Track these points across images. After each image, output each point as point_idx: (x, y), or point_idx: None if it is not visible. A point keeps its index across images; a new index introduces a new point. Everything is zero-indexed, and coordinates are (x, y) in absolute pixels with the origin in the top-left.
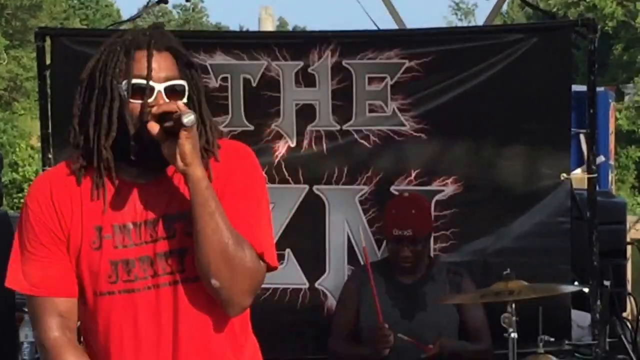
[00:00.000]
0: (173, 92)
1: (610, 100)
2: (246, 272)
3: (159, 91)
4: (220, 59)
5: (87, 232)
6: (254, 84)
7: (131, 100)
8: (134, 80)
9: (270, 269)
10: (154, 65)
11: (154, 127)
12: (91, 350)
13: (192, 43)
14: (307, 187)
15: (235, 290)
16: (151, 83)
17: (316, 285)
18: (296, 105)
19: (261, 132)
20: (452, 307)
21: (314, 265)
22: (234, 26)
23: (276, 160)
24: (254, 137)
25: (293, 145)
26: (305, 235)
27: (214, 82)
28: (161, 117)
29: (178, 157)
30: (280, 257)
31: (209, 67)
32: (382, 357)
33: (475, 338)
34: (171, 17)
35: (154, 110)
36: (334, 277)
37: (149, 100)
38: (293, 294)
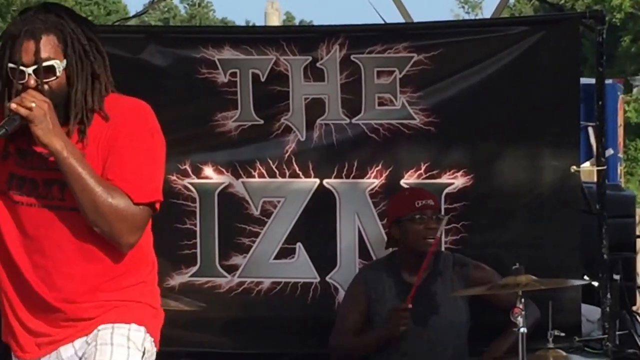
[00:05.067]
0: (41, 72)
1: (618, 93)
2: (120, 217)
3: (29, 74)
4: (228, 54)
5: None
6: (262, 79)
7: (15, 82)
8: (11, 65)
9: (152, 206)
10: (23, 51)
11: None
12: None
13: (200, 38)
14: (317, 181)
15: (115, 233)
16: (21, 68)
17: (327, 279)
18: (305, 99)
19: (271, 126)
20: (464, 305)
21: (324, 259)
22: (240, 21)
23: (286, 155)
24: (264, 132)
25: (303, 139)
26: (315, 230)
27: (222, 77)
28: None
29: (36, 140)
30: (291, 251)
31: (217, 62)
32: (396, 336)
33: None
34: (177, 12)
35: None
36: (345, 271)
37: (21, 81)
38: (304, 288)
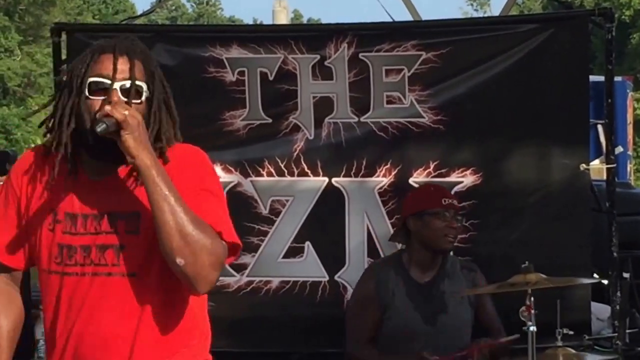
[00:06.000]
0: (129, 92)
1: (628, 90)
2: (208, 248)
3: (115, 89)
4: (236, 52)
5: (46, 214)
6: (270, 78)
7: (90, 97)
8: (92, 79)
9: (234, 247)
10: (114, 67)
11: (98, 128)
12: (44, 324)
13: (208, 37)
14: (326, 179)
15: (199, 266)
16: (108, 81)
17: (336, 278)
18: (313, 97)
19: (279, 125)
20: (469, 307)
21: (333, 258)
22: (247, 19)
23: (295, 153)
24: (272, 130)
25: (311, 137)
26: (324, 228)
27: (230, 76)
28: (95, 123)
29: (124, 151)
30: (300, 250)
31: (225, 61)
32: None
33: (497, 328)
34: (185, 10)
35: (98, 115)
36: (354, 269)
37: (103, 97)
38: (313, 287)
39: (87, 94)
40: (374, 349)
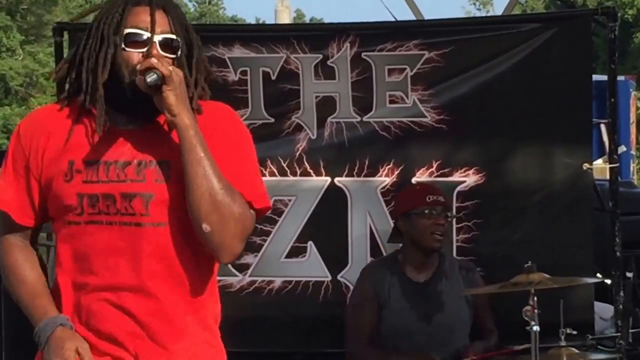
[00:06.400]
0: (167, 46)
1: (631, 90)
2: (236, 217)
3: (154, 42)
4: (239, 52)
5: (62, 164)
6: (273, 77)
7: (126, 49)
8: (129, 30)
9: (262, 212)
10: (152, 19)
11: (140, 82)
12: (59, 276)
13: (210, 37)
14: (328, 179)
15: (225, 235)
16: (147, 33)
17: (338, 278)
18: (316, 97)
19: (281, 124)
20: (467, 307)
21: (336, 258)
22: (250, 19)
23: (297, 153)
24: (275, 130)
25: (314, 137)
26: (327, 228)
27: (233, 76)
28: (145, 72)
29: (165, 108)
30: (303, 250)
31: (227, 61)
32: None
33: (490, 328)
34: (187, 9)
35: (139, 67)
36: (357, 269)
37: (143, 50)
38: (315, 287)
39: (123, 45)
40: (374, 349)
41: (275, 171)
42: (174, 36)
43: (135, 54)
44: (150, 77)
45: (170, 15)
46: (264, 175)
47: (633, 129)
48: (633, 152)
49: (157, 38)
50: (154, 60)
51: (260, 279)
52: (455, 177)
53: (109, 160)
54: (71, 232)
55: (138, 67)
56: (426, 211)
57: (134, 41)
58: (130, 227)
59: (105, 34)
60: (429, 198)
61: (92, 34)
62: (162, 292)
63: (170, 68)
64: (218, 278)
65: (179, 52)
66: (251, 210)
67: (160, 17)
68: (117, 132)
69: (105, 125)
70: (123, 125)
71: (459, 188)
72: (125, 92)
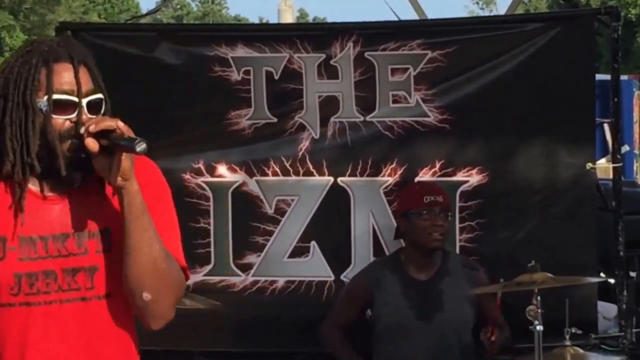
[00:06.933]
0: (93, 107)
1: (634, 89)
2: (175, 285)
3: (82, 106)
4: (242, 52)
5: None
6: (276, 77)
7: (54, 116)
8: (57, 96)
9: (187, 279)
10: (75, 80)
11: (93, 145)
12: None
13: (213, 36)
14: (331, 179)
15: (163, 303)
16: (74, 98)
17: (342, 277)
18: (319, 97)
19: (284, 124)
20: (470, 306)
21: (339, 257)
22: (253, 18)
23: (300, 153)
24: (278, 130)
25: (317, 137)
26: (330, 228)
27: (236, 75)
28: (99, 134)
29: (115, 173)
30: (306, 250)
31: (230, 60)
32: None
33: (501, 325)
34: (190, 10)
35: (91, 128)
36: (360, 269)
37: (72, 116)
38: (318, 287)
39: (50, 112)
40: (340, 334)
41: (278, 171)
42: (100, 95)
43: (61, 120)
44: (141, 147)
45: (91, 71)
46: (266, 175)
47: (636, 128)
48: (636, 151)
49: (84, 102)
50: (120, 123)
51: (263, 278)
52: (459, 177)
53: (45, 234)
54: (3, 316)
55: (91, 127)
56: (424, 212)
57: (61, 107)
58: (74, 303)
59: (28, 99)
60: (427, 199)
61: (9, 97)
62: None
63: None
64: (221, 278)
65: (103, 110)
66: (184, 276)
67: (83, 74)
68: (45, 201)
69: (24, 196)
70: (49, 191)
71: (462, 188)
72: (52, 159)
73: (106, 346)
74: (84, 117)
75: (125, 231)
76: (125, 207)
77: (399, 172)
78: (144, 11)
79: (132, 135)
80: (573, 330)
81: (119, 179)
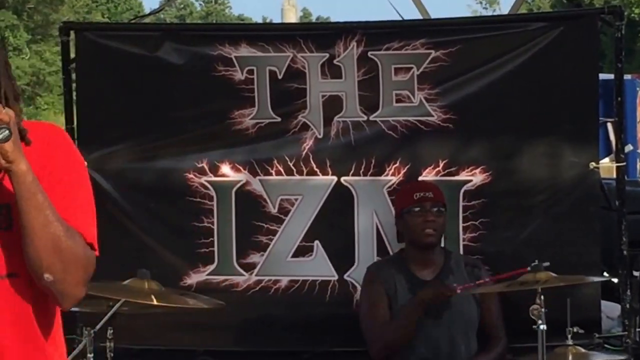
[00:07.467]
0: None
1: (637, 88)
2: (79, 263)
3: None
4: (245, 51)
5: None
6: (279, 76)
7: None
8: None
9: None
10: None
11: None
12: None
13: (217, 36)
14: (335, 178)
15: (69, 283)
16: None
17: (345, 277)
18: (322, 96)
19: (288, 123)
20: (475, 304)
21: (343, 257)
22: (257, 18)
23: (304, 152)
24: (281, 129)
25: (320, 136)
26: (334, 227)
27: (239, 75)
28: None
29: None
30: (309, 249)
31: (234, 60)
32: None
33: (496, 335)
34: (193, 9)
35: None
36: (363, 268)
37: None
38: (322, 286)
39: None
40: (387, 323)
41: (282, 170)
42: None
43: None
44: (3, 134)
45: None
46: (270, 174)
47: None
48: None
49: None
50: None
51: (266, 278)
52: (462, 176)
53: None
54: None
55: None
56: (415, 209)
57: None
58: None
59: None
60: (416, 195)
61: None
62: (11, 348)
63: (4, 111)
64: (224, 278)
65: None
66: (93, 253)
67: None
68: None
69: None
70: None
71: (465, 187)
72: None
73: (1, 330)
74: None
75: (19, 212)
76: (16, 187)
77: (402, 172)
78: (148, 11)
79: (3, 120)
80: (575, 330)
81: (3, 161)
